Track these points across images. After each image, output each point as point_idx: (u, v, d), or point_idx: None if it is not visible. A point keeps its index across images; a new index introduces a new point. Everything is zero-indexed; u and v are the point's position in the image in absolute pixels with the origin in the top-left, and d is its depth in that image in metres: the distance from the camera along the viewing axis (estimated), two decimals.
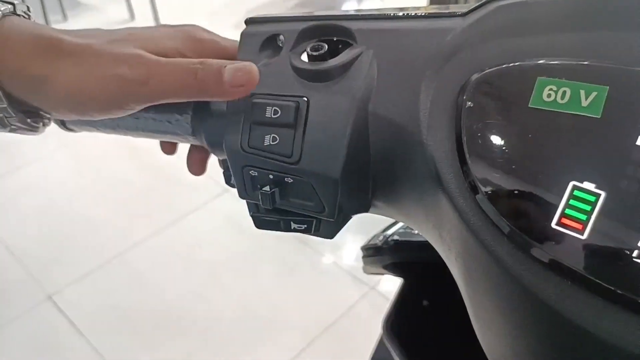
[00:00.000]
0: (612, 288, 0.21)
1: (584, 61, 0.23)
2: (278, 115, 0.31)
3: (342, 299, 1.59)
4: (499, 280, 0.25)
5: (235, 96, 0.31)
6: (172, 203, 1.96)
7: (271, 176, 0.32)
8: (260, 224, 0.37)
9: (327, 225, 0.34)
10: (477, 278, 0.27)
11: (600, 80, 0.23)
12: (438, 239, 0.30)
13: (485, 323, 0.28)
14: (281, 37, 0.34)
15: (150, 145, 2.02)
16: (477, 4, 0.29)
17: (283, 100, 0.31)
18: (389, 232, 0.54)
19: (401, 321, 0.52)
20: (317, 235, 0.35)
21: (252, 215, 0.36)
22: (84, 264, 1.73)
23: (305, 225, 0.35)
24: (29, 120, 0.34)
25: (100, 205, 1.96)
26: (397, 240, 0.52)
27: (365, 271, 0.57)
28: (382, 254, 0.52)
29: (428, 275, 0.55)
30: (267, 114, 0.31)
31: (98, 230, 1.85)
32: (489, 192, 0.24)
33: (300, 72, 0.31)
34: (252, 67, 0.31)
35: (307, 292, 1.62)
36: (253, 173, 0.33)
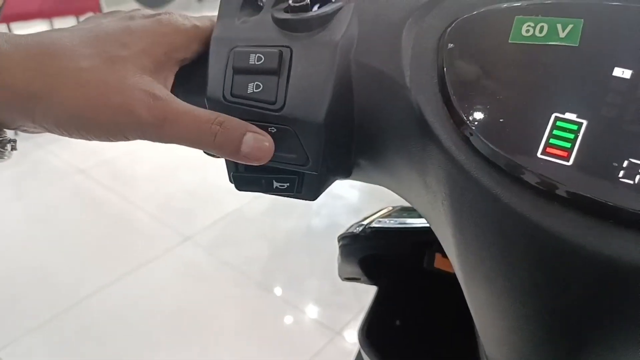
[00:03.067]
0: (602, 204, 0.22)
1: (557, 0, 0.25)
2: (262, 61, 0.31)
3: (308, 346, 1.54)
4: (488, 210, 0.25)
5: (246, 162, 0.32)
6: (128, 252, 1.89)
7: None
8: (240, 184, 0.36)
9: (309, 183, 0.34)
10: (466, 214, 0.27)
11: (574, 14, 0.25)
12: (423, 189, 0.31)
13: (475, 267, 0.28)
14: None
15: (106, 194, 1.98)
16: None
17: (266, 48, 0.31)
18: (366, 221, 0.54)
19: (376, 329, 0.52)
20: (299, 197, 0.35)
21: (232, 176, 0.36)
22: (35, 316, 1.64)
23: (288, 184, 0.34)
24: None
25: (53, 255, 1.88)
26: (374, 227, 0.52)
27: (341, 273, 0.56)
28: (359, 242, 0.52)
29: (401, 284, 0.55)
30: (251, 61, 0.31)
31: (50, 281, 1.77)
32: (475, 125, 0.25)
33: (282, 24, 0.32)
34: (270, 144, 0.31)
35: (271, 341, 1.57)
36: None
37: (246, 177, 0.35)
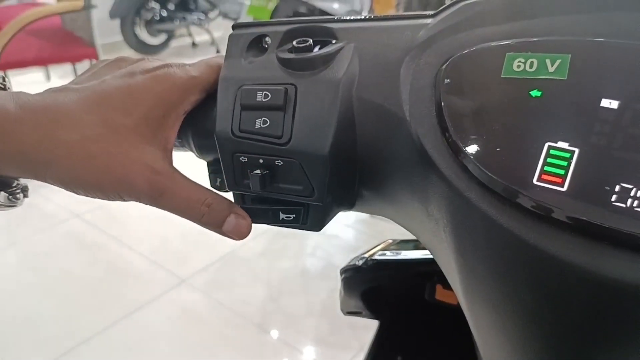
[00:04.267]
0: (597, 227, 0.23)
1: (544, 38, 0.27)
2: (268, 98, 0.33)
3: None
4: (488, 235, 0.27)
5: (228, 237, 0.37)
6: (123, 296, 1.87)
7: (261, 160, 0.34)
8: (249, 216, 0.37)
9: (315, 214, 0.35)
10: (467, 239, 0.28)
11: (562, 50, 0.26)
12: (425, 217, 0.32)
13: (478, 291, 0.29)
14: (267, 38, 0.36)
15: (100, 238, 1.98)
16: (444, 6, 0.32)
17: (272, 85, 0.33)
18: (367, 254, 0.54)
19: None
20: (305, 228, 0.36)
21: (240, 208, 0.37)
22: None
23: (294, 215, 0.35)
24: (9, 197, 0.35)
25: (46, 302, 1.85)
26: (376, 259, 0.53)
27: (343, 307, 0.57)
28: (362, 274, 0.53)
29: (403, 317, 0.55)
30: (258, 98, 0.33)
31: (43, 328, 1.74)
32: (473, 154, 0.27)
33: (286, 63, 0.33)
34: (249, 225, 0.37)
35: None
36: (243, 159, 0.34)
37: (253, 209, 0.37)
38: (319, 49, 0.34)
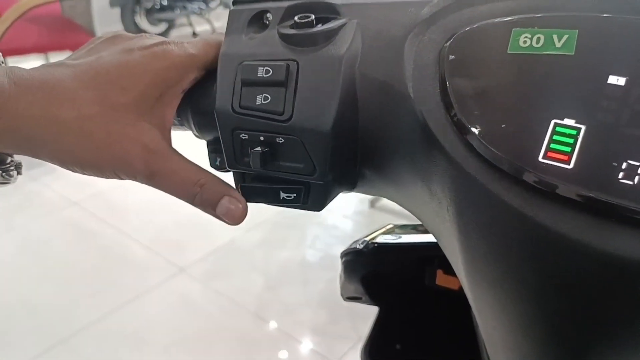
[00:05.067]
0: (604, 204, 0.23)
1: (551, 13, 0.27)
2: (270, 74, 0.32)
3: None
4: (493, 213, 0.26)
5: (221, 220, 0.36)
6: (121, 284, 1.87)
7: (262, 137, 0.33)
8: (247, 195, 0.36)
9: (316, 193, 0.35)
10: (471, 218, 0.28)
11: (569, 25, 0.26)
12: (428, 197, 0.31)
13: (481, 271, 0.29)
14: (268, 14, 0.35)
15: (99, 226, 1.98)
16: None
17: (274, 61, 0.33)
18: (368, 237, 0.54)
19: (379, 349, 0.52)
20: (306, 208, 0.35)
21: (240, 187, 0.37)
22: (25, 349, 1.60)
23: (295, 194, 0.35)
24: (3, 174, 0.34)
25: (43, 289, 1.85)
26: (377, 243, 0.53)
27: (343, 292, 0.57)
28: (362, 258, 0.53)
29: (403, 302, 0.55)
30: (259, 74, 0.33)
31: (40, 314, 1.74)
32: (478, 132, 0.26)
33: (288, 39, 0.33)
34: (244, 208, 0.36)
35: None
36: (243, 136, 0.34)
37: (254, 187, 0.36)
38: (321, 25, 0.33)
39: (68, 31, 2.93)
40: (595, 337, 0.26)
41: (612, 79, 0.24)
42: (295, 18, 0.33)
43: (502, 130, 0.26)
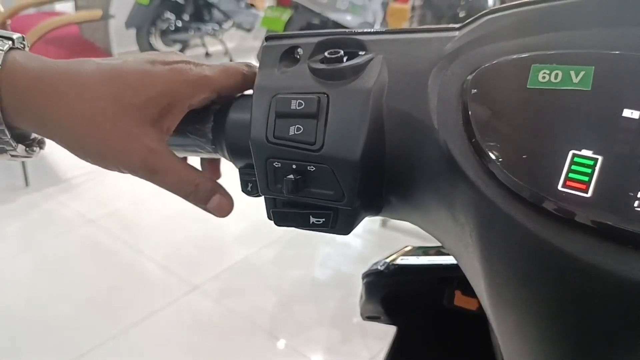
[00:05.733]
0: (621, 231, 0.25)
1: (568, 50, 0.28)
2: (302, 107, 0.35)
3: None
4: (515, 239, 0.28)
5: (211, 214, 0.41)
6: (136, 303, 1.89)
7: (294, 166, 0.35)
8: (279, 220, 0.39)
9: (343, 218, 0.37)
10: (494, 243, 0.29)
11: (585, 62, 0.28)
12: (451, 222, 0.33)
13: (503, 295, 0.30)
14: (299, 49, 0.37)
15: (114, 244, 1.99)
16: (469, 20, 0.34)
17: (306, 94, 0.35)
18: (389, 259, 0.56)
19: None
20: (334, 232, 0.37)
21: (272, 212, 0.39)
22: None
23: (324, 219, 0.37)
24: (27, 149, 0.38)
25: (59, 307, 1.87)
26: (397, 264, 0.55)
27: (363, 312, 0.58)
28: (383, 279, 0.54)
29: (421, 322, 0.56)
30: (292, 107, 0.35)
31: (56, 332, 1.76)
32: (500, 161, 0.28)
33: (318, 73, 0.35)
34: (231, 204, 0.41)
35: None
36: (277, 164, 0.36)
37: (285, 213, 0.38)
38: (347, 60, 0.36)
39: (87, 52, 2.99)
40: (613, 356, 0.27)
41: (627, 112, 0.26)
42: (326, 53, 0.35)
43: (523, 160, 0.27)
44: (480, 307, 0.50)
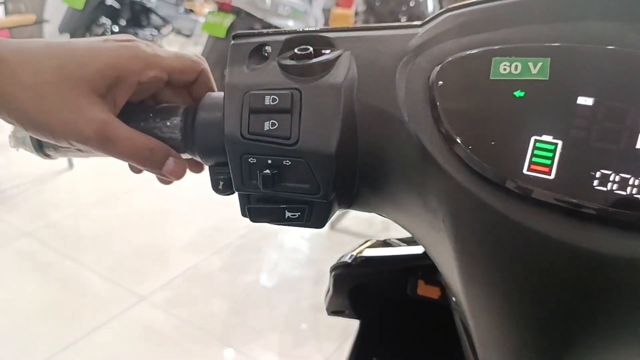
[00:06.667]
0: (583, 207, 0.27)
1: (526, 44, 0.30)
2: (276, 102, 0.35)
3: None
4: (485, 220, 0.30)
5: (166, 178, 0.41)
6: (80, 317, 1.82)
7: (269, 161, 0.36)
8: (254, 215, 0.39)
9: (318, 212, 0.38)
10: (465, 226, 0.31)
11: (542, 54, 0.30)
12: (423, 210, 0.34)
13: (475, 275, 0.32)
14: (267, 47, 0.38)
15: (54, 257, 1.91)
16: (430, 17, 0.35)
17: (278, 90, 0.35)
18: (355, 252, 0.57)
19: None
20: (309, 225, 0.38)
21: (246, 208, 0.39)
22: None
23: (299, 213, 0.38)
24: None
25: None
26: (364, 256, 0.56)
27: (329, 306, 0.59)
28: (351, 270, 0.55)
29: (384, 315, 0.58)
30: (266, 102, 0.35)
31: None
32: (469, 148, 0.30)
33: (289, 69, 0.36)
34: (184, 166, 0.41)
35: None
36: (252, 160, 0.36)
37: (260, 208, 0.39)
38: (319, 56, 0.36)
39: None
40: (579, 326, 0.29)
41: (581, 100, 0.28)
42: (295, 50, 0.36)
43: (490, 146, 0.29)
44: (442, 296, 0.52)
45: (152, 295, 1.92)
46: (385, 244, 0.59)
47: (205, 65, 0.43)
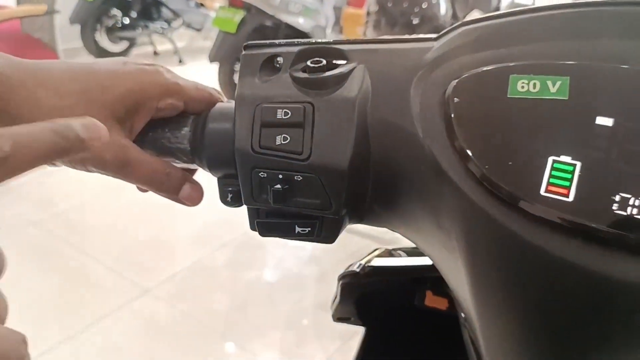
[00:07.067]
0: (601, 232, 0.27)
1: (544, 61, 0.30)
2: (288, 116, 0.35)
3: None
4: (501, 242, 0.29)
5: (182, 204, 0.41)
6: (84, 307, 1.83)
7: (280, 176, 0.35)
8: (263, 230, 0.38)
9: (329, 227, 0.37)
10: (480, 247, 0.31)
11: (561, 72, 0.29)
12: (436, 229, 0.34)
13: (488, 297, 0.32)
14: (279, 58, 0.37)
15: (60, 247, 1.92)
16: (445, 30, 0.35)
17: (291, 104, 0.35)
18: (364, 261, 0.58)
19: None
20: (319, 240, 0.37)
21: (256, 222, 0.38)
22: None
23: (309, 228, 0.37)
24: None
25: None
26: (372, 266, 0.56)
27: (335, 313, 0.59)
28: (359, 280, 0.55)
29: (390, 323, 0.58)
30: (278, 116, 0.35)
31: None
32: (485, 167, 0.29)
33: (301, 82, 0.35)
34: (201, 193, 0.41)
35: None
36: (262, 175, 0.36)
37: (269, 223, 0.38)
38: (332, 69, 0.36)
39: (29, 47, 2.87)
40: (594, 352, 0.29)
41: (600, 120, 0.28)
42: (308, 62, 0.36)
43: (507, 166, 0.29)
44: (449, 307, 0.52)
45: (156, 288, 1.93)
46: (394, 253, 0.59)
47: (223, 99, 0.42)
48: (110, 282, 1.97)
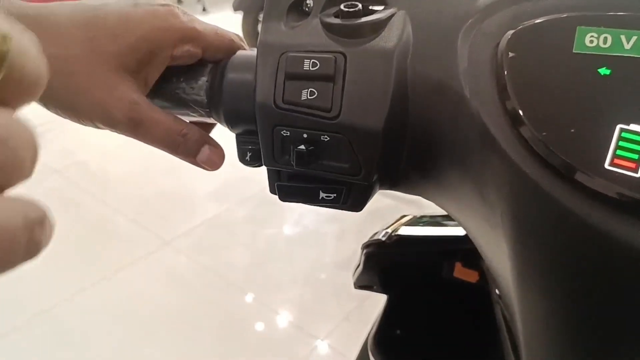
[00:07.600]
0: None
1: (619, 12, 0.25)
2: (317, 67, 0.31)
3: (290, 353, 1.53)
4: (556, 221, 0.25)
5: (201, 167, 0.37)
6: (105, 257, 1.86)
7: (305, 135, 0.32)
8: (284, 194, 0.35)
9: (357, 193, 0.33)
10: (530, 225, 0.27)
11: (638, 26, 0.25)
12: (477, 201, 0.30)
13: (535, 278, 0.28)
14: (308, 1, 0.33)
15: (82, 197, 1.93)
16: None
17: (320, 54, 0.31)
18: (390, 229, 0.54)
19: (387, 337, 0.52)
20: (345, 208, 0.34)
21: (276, 185, 0.35)
22: (5, 320, 1.58)
23: (335, 194, 0.34)
24: None
25: None
26: (399, 235, 0.53)
27: (357, 281, 0.56)
28: (384, 249, 0.52)
29: (413, 293, 0.55)
30: (305, 67, 0.31)
31: (21, 285, 1.71)
32: (542, 136, 0.25)
33: (333, 29, 0.31)
34: (222, 156, 0.37)
35: (253, 347, 1.55)
36: (285, 133, 0.32)
37: (290, 186, 0.35)
38: (364, 14, 0.32)
39: None
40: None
41: None
42: (342, 6, 0.31)
43: (566, 134, 0.25)
44: (480, 280, 0.49)
45: (175, 240, 1.94)
46: (424, 221, 0.55)
47: (245, 47, 0.38)
48: (131, 233, 1.99)
